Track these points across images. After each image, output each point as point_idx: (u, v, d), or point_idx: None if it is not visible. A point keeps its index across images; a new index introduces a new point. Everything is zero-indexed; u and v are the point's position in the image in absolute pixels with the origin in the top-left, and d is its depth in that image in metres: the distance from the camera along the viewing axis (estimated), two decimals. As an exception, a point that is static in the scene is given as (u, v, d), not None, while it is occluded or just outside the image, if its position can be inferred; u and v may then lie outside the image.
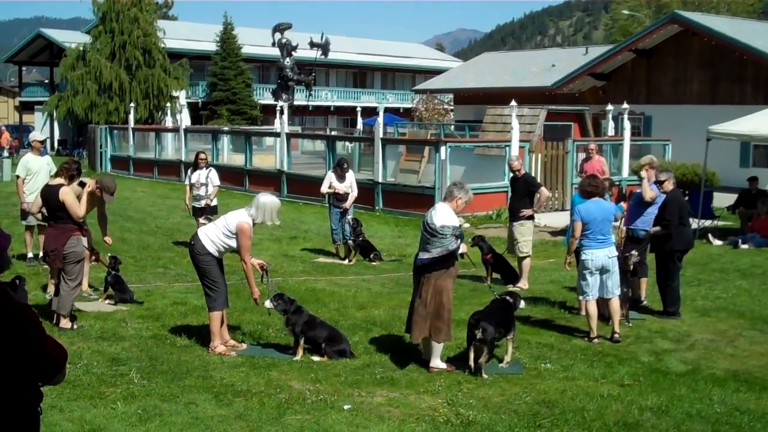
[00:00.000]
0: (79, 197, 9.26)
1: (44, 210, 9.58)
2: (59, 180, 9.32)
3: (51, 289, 9.75)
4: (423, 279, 7.83)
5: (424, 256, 7.78)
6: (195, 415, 6.33)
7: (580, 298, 9.46)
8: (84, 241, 9.35)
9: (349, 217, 14.43)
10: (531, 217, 12.47)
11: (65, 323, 8.87)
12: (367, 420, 6.37)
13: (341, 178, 14.51)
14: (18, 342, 3.38)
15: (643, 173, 11.13)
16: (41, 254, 12.67)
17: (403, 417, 6.48)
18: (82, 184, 9.48)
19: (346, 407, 6.62)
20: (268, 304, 8.18)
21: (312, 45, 40.86)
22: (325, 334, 8.19)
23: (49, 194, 9.19)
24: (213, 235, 8.14)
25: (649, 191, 10.83)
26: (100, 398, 6.63)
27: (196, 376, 7.33)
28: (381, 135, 22.14)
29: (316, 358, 8.06)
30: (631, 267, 10.13)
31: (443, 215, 7.77)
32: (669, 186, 10.40)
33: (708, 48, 29.73)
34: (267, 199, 8.19)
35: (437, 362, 7.85)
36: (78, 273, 9.14)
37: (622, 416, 6.61)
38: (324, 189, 14.68)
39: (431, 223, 7.72)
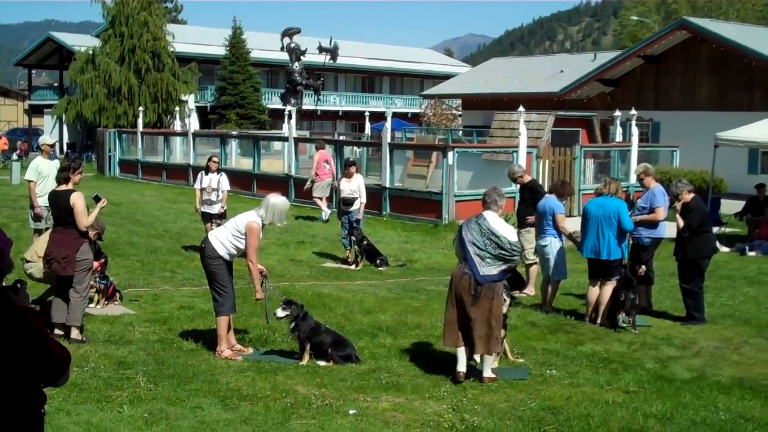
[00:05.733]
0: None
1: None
2: (66, 186, 8.91)
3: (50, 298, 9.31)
4: (489, 293, 7.64)
5: (491, 271, 7.61)
6: (201, 419, 6.35)
7: None
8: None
9: (354, 223, 14.49)
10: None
11: (76, 334, 8.57)
12: (372, 425, 6.38)
13: (348, 177, 14.59)
14: (21, 345, 3.41)
15: (650, 183, 11.13)
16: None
17: (408, 422, 6.49)
18: (98, 199, 9.07)
19: (351, 412, 6.63)
20: (280, 313, 8.17)
21: (321, 49, 40.98)
22: (330, 339, 8.22)
23: (59, 199, 8.88)
24: (223, 238, 8.20)
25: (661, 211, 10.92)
26: (106, 402, 6.65)
27: (202, 380, 7.36)
28: (389, 140, 22.16)
29: (321, 363, 8.08)
30: (638, 276, 10.29)
31: (507, 229, 7.76)
32: (687, 197, 10.51)
33: (717, 54, 29.71)
34: (277, 199, 8.25)
35: (490, 372, 7.79)
36: (88, 281, 8.94)
37: (627, 423, 6.60)
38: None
39: (500, 236, 7.59)
